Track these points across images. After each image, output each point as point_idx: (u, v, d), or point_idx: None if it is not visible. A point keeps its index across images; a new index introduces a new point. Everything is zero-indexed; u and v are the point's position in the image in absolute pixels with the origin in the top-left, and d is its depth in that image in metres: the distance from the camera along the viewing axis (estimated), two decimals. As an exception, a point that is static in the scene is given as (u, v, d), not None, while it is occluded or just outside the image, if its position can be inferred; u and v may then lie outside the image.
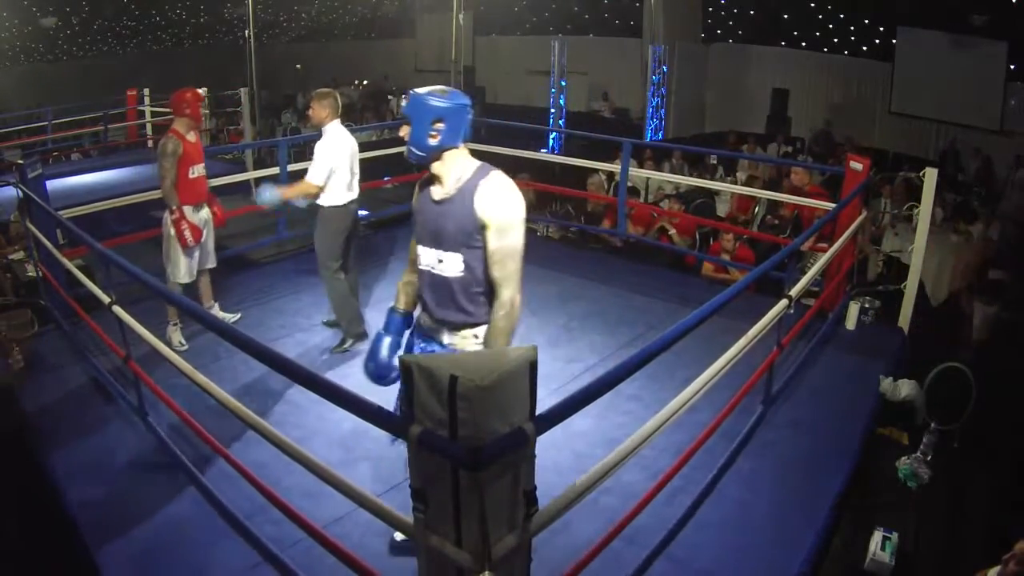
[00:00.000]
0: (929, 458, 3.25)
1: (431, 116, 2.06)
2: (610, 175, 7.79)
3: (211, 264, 4.47)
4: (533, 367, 1.27)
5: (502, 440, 1.20)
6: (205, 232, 4.33)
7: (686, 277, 5.80)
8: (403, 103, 2.17)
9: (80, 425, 3.36)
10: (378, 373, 2.28)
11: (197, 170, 4.20)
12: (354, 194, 4.17)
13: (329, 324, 4.44)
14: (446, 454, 1.21)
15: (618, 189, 6.06)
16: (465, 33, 9.64)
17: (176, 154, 4.06)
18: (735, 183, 8.00)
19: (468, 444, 1.19)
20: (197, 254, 4.31)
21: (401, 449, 1.31)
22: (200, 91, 4.33)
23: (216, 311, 4.57)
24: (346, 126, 4.19)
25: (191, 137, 4.19)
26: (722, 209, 7.92)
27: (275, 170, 5.92)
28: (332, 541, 2.01)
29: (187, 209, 4.16)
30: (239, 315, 4.63)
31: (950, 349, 4.78)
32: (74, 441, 3.23)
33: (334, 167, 3.98)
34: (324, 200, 4.07)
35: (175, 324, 4.25)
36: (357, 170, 4.19)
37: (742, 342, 2.70)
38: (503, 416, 1.23)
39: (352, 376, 3.78)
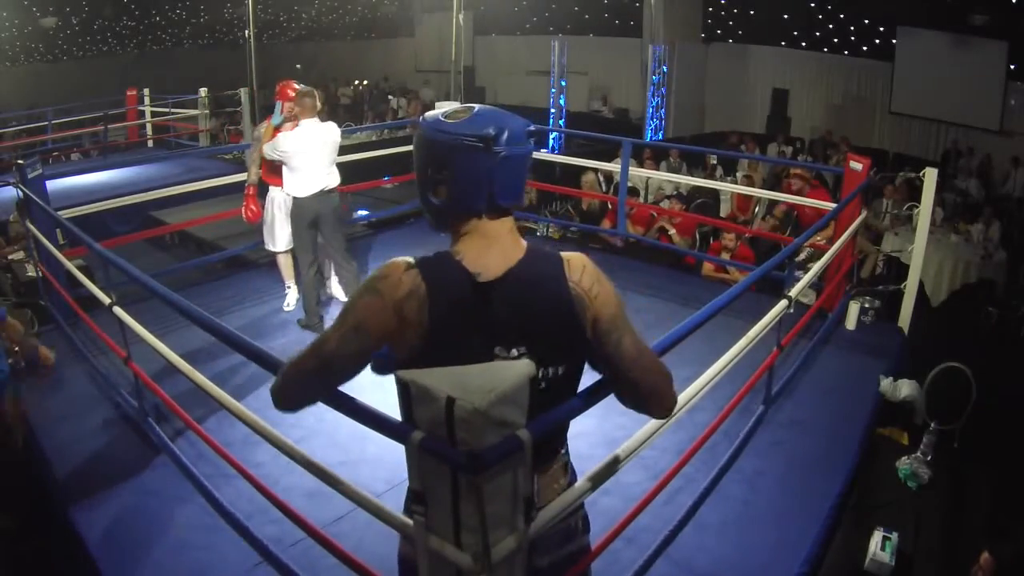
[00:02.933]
0: (929, 458, 3.24)
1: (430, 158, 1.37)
2: (607, 175, 7.79)
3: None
4: (532, 382, 1.27)
5: (500, 446, 1.20)
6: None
7: (686, 277, 5.79)
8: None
9: (80, 425, 3.36)
10: None
11: None
12: (312, 189, 4.19)
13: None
14: (445, 459, 1.22)
15: (616, 189, 6.05)
16: (465, 33, 9.62)
17: (260, 140, 4.45)
18: (735, 183, 8.00)
19: (467, 450, 1.19)
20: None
21: (400, 450, 1.31)
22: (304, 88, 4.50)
23: (292, 293, 4.79)
24: (345, 126, 4.22)
25: None
26: (724, 209, 7.92)
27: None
28: (332, 541, 2.01)
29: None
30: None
31: (950, 349, 4.77)
32: (74, 441, 3.22)
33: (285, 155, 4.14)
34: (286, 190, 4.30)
35: (289, 287, 4.66)
36: (322, 165, 4.21)
37: (742, 342, 2.70)
38: (501, 427, 1.23)
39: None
